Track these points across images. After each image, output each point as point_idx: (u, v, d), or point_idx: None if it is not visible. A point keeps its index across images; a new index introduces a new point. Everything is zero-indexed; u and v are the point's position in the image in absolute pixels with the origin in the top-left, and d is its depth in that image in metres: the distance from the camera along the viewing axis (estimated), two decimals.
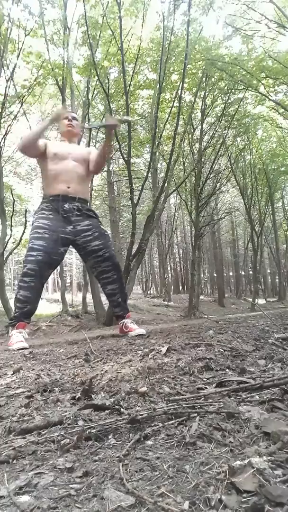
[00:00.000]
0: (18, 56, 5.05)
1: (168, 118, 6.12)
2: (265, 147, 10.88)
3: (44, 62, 5.50)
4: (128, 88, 4.94)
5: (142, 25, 5.34)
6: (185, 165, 7.74)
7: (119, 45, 4.73)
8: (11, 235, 5.13)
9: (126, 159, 4.80)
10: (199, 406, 0.79)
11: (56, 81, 5.69)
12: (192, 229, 8.76)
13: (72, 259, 23.96)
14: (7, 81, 4.90)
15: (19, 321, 2.36)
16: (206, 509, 0.45)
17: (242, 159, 9.98)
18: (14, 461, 0.64)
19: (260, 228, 10.88)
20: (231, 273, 29.07)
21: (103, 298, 3.75)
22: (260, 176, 10.60)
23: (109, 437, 0.70)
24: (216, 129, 7.61)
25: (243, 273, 24.37)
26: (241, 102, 7.81)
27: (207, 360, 1.19)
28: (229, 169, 8.95)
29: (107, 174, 10.85)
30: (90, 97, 5.92)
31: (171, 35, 5.17)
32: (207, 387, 0.96)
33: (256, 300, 11.93)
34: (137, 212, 4.91)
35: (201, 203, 7.30)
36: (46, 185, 2.53)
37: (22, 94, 5.51)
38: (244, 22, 7.02)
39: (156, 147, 5.46)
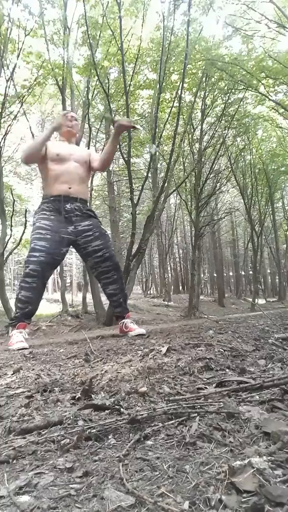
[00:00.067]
0: (18, 56, 5.05)
1: (168, 118, 6.12)
2: (265, 147, 10.88)
3: (44, 62, 5.50)
4: (128, 88, 4.94)
5: (142, 25, 5.34)
6: (185, 165, 7.74)
7: (119, 45, 4.73)
8: (11, 235, 5.12)
9: (126, 159, 4.80)
10: (199, 406, 0.79)
11: (56, 81, 5.69)
12: (192, 229, 8.76)
13: (72, 259, 23.96)
14: (7, 81, 4.90)
15: (20, 321, 2.36)
16: (206, 509, 0.45)
17: (242, 159, 9.98)
18: (14, 461, 0.64)
19: (260, 228, 10.89)
20: (231, 273, 29.07)
21: (103, 298, 3.75)
22: (260, 176, 10.60)
23: (109, 437, 0.70)
24: (216, 129, 7.61)
25: (243, 273, 24.37)
26: (241, 102, 7.81)
27: (207, 360, 1.19)
28: (229, 169, 8.95)
29: (107, 174, 10.85)
30: (90, 97, 5.92)
31: (171, 35, 5.17)
32: (207, 387, 0.96)
33: (256, 300, 11.93)
34: (137, 212, 4.91)
35: (201, 203, 7.30)
36: (46, 185, 2.53)
37: (22, 94, 5.51)
38: (244, 22, 7.03)
39: (156, 147, 5.45)
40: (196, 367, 1.13)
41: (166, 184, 5.13)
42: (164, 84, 5.44)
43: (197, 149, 7.38)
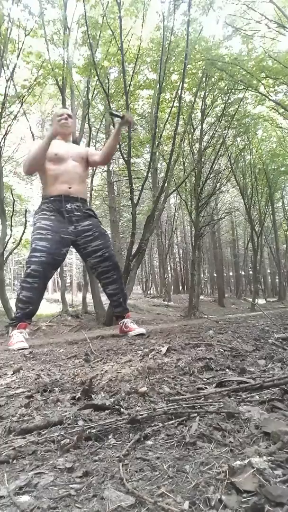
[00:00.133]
0: (18, 56, 5.05)
1: (168, 118, 6.12)
2: (265, 147, 10.88)
3: (44, 62, 5.50)
4: (128, 88, 4.94)
5: (142, 25, 5.34)
6: (185, 165, 7.74)
7: (119, 45, 4.73)
8: (11, 235, 5.13)
9: (126, 159, 4.80)
10: (199, 406, 0.79)
11: (56, 81, 5.69)
12: (192, 229, 8.76)
13: (72, 259, 23.96)
14: (7, 81, 4.90)
15: (20, 321, 2.36)
16: (206, 509, 0.45)
17: (242, 159, 9.98)
18: (14, 461, 0.64)
19: (260, 228, 10.89)
20: (231, 273, 29.07)
21: (103, 298, 3.76)
22: (260, 176, 10.60)
23: (109, 437, 0.70)
24: (216, 129, 7.61)
25: (243, 273, 24.37)
26: (241, 102, 7.81)
27: (207, 360, 1.19)
28: (229, 169, 8.95)
29: (107, 174, 10.85)
30: (90, 97, 5.92)
31: (171, 35, 5.17)
32: (207, 387, 0.96)
33: (256, 300, 11.93)
34: (137, 212, 4.91)
35: (201, 203, 7.30)
36: (46, 186, 2.52)
37: (22, 94, 5.51)
38: (244, 22, 7.03)
39: (156, 147, 5.45)
40: (196, 367, 1.13)
41: (166, 184, 5.13)
42: (164, 84, 5.43)
43: (197, 149, 7.38)
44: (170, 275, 19.30)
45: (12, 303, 3.92)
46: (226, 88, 7.12)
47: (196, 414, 0.75)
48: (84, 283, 8.53)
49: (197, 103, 7.42)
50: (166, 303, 12.53)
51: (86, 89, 5.92)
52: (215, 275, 21.83)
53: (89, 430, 0.71)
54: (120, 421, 0.75)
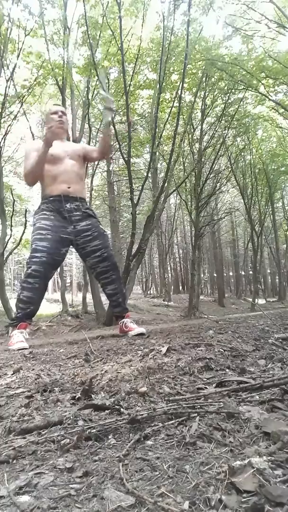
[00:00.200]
0: (18, 56, 5.06)
1: (168, 118, 6.12)
2: (265, 147, 10.88)
3: (44, 62, 5.50)
4: (128, 88, 4.94)
5: (142, 25, 5.34)
6: (185, 165, 7.74)
7: (119, 45, 4.73)
8: (11, 235, 5.13)
9: (126, 159, 4.80)
10: (199, 406, 0.79)
11: (56, 81, 5.69)
12: (192, 229, 8.77)
13: (72, 259, 23.97)
14: (7, 81, 4.90)
15: (21, 321, 2.36)
16: (206, 509, 0.45)
17: (242, 159, 9.99)
18: (14, 461, 0.64)
19: (260, 228, 10.89)
20: (231, 273, 29.07)
21: (103, 298, 3.75)
22: (260, 176, 10.61)
23: (109, 437, 0.70)
24: (216, 129, 7.61)
25: (243, 273, 24.38)
26: (241, 102, 7.81)
27: (207, 360, 1.19)
28: (229, 169, 8.95)
29: (107, 174, 10.85)
30: (90, 97, 5.92)
31: (171, 35, 5.17)
32: (207, 387, 0.96)
33: (256, 300, 11.93)
34: (137, 212, 4.91)
35: (201, 203, 7.31)
36: (45, 186, 2.52)
37: (22, 94, 5.51)
38: (244, 22, 7.03)
39: (156, 147, 5.46)
40: (196, 367, 1.13)
41: (166, 184, 5.13)
42: (164, 84, 5.43)
43: (197, 149, 7.39)
44: (170, 275, 19.31)
45: (12, 303, 3.92)
46: (226, 88, 7.13)
47: (196, 414, 0.75)
48: (84, 283, 8.53)
49: (197, 103, 7.42)
50: (166, 303, 12.53)
51: (86, 89, 5.92)
52: (215, 275, 21.84)
53: (89, 430, 0.71)
54: (120, 421, 0.75)
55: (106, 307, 4.66)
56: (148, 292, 19.90)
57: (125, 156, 4.92)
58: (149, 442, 0.66)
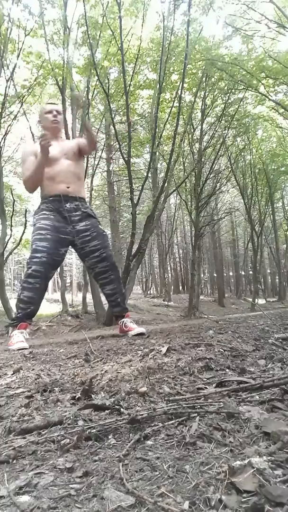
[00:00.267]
0: (18, 56, 5.06)
1: (168, 118, 6.12)
2: (265, 147, 10.88)
3: (44, 62, 5.50)
4: (128, 88, 4.94)
5: (142, 25, 5.33)
6: (185, 165, 7.74)
7: (119, 45, 4.73)
8: (11, 235, 5.13)
9: (126, 159, 4.80)
10: (199, 406, 0.79)
11: (56, 81, 5.69)
12: (192, 229, 8.77)
13: (72, 259, 23.96)
14: (7, 81, 4.90)
15: (21, 321, 2.36)
16: (206, 509, 0.45)
17: (242, 159, 9.99)
18: (14, 461, 0.64)
19: (260, 228, 10.89)
20: (231, 273, 29.07)
21: (103, 298, 3.76)
22: (260, 176, 10.61)
23: (109, 437, 0.70)
24: (216, 129, 7.61)
25: (243, 273, 24.37)
26: (241, 102, 7.81)
27: (207, 360, 1.19)
28: (229, 169, 8.95)
29: (107, 174, 10.85)
30: (90, 97, 5.92)
31: (171, 35, 5.17)
32: (207, 387, 0.96)
33: (256, 300, 11.93)
34: (137, 212, 4.91)
35: (201, 203, 7.31)
36: (44, 187, 2.51)
37: (22, 94, 5.51)
38: (244, 22, 7.03)
39: (156, 147, 5.45)
40: (196, 367, 1.13)
41: (166, 184, 5.13)
42: (164, 84, 5.43)
43: (197, 149, 7.39)
44: (170, 275, 19.30)
45: (12, 303, 3.92)
46: (226, 88, 7.13)
47: (196, 414, 0.75)
48: (84, 283, 8.53)
49: (197, 103, 7.42)
50: (166, 303, 12.53)
51: (86, 89, 5.92)
52: (215, 275, 21.84)
53: (89, 430, 0.71)
54: (120, 421, 0.75)
55: (106, 307, 4.66)
56: (148, 292, 19.90)
57: (125, 156, 4.92)
58: (149, 442, 0.66)
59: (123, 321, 2.50)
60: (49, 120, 2.53)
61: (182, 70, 5.10)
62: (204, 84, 6.98)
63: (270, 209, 12.99)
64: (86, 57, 5.71)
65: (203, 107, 7.42)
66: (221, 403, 0.79)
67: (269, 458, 0.54)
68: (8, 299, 4.78)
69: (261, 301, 15.03)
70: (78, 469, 0.58)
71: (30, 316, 2.41)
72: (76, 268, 25.84)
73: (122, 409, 0.82)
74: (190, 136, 7.30)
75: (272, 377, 0.95)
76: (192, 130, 7.39)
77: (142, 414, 0.75)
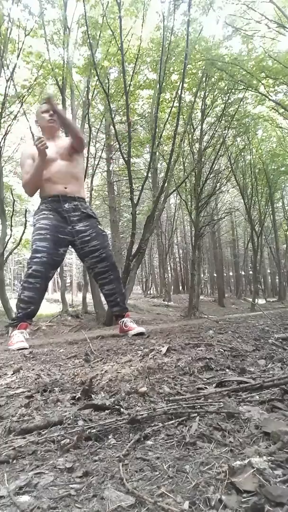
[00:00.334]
0: (18, 56, 5.06)
1: (168, 118, 6.12)
2: (265, 147, 10.89)
3: (44, 62, 5.50)
4: (128, 88, 4.94)
5: (142, 25, 5.34)
6: (185, 165, 7.74)
7: (119, 45, 4.73)
8: (11, 235, 5.13)
9: (126, 159, 4.80)
10: (199, 406, 0.79)
11: (56, 81, 5.69)
12: (192, 229, 8.77)
13: (72, 259, 23.96)
14: (7, 81, 4.90)
15: (21, 321, 2.36)
16: (206, 509, 0.45)
17: (242, 159, 9.99)
18: (14, 461, 0.64)
19: (260, 228, 10.89)
20: (231, 273, 29.08)
21: (103, 298, 3.76)
22: (260, 176, 10.61)
23: (109, 437, 0.70)
24: (216, 129, 7.62)
25: (243, 273, 24.38)
26: (241, 102, 7.82)
27: (207, 360, 1.19)
28: (229, 169, 8.96)
29: (107, 174, 10.85)
30: (90, 97, 5.92)
31: (171, 35, 5.18)
32: (207, 387, 0.96)
33: (256, 300, 11.93)
34: (137, 212, 4.91)
35: (201, 203, 7.31)
36: (42, 188, 2.51)
37: (22, 94, 5.51)
38: (244, 22, 7.04)
39: (156, 147, 5.46)
40: (196, 367, 1.13)
41: (166, 184, 5.13)
42: (164, 84, 5.44)
43: (197, 149, 7.39)
44: (170, 275, 19.30)
45: (12, 303, 3.92)
46: (226, 88, 7.13)
47: (196, 414, 0.75)
48: (84, 283, 8.53)
49: (197, 103, 7.43)
50: (166, 303, 12.54)
51: (86, 89, 5.92)
52: (215, 275, 21.84)
53: (89, 430, 0.71)
54: (120, 421, 0.75)
55: (106, 307, 4.66)
56: (148, 292, 19.90)
57: (125, 156, 4.92)
58: (149, 442, 0.66)
59: (123, 321, 2.50)
60: (45, 119, 2.53)
61: (182, 70, 5.10)
62: (204, 84, 6.98)
63: (270, 209, 12.99)
64: (86, 57, 5.72)
65: (203, 107, 7.43)
66: (221, 403, 0.79)
67: (269, 458, 0.54)
68: (8, 299, 4.78)
69: (261, 301, 15.03)
70: (78, 469, 0.58)
71: (31, 316, 2.41)
72: (76, 268, 25.85)
73: (122, 409, 0.82)
74: (190, 136, 7.30)
75: (272, 377, 0.95)
76: (192, 130, 7.39)
77: (142, 414, 0.75)
